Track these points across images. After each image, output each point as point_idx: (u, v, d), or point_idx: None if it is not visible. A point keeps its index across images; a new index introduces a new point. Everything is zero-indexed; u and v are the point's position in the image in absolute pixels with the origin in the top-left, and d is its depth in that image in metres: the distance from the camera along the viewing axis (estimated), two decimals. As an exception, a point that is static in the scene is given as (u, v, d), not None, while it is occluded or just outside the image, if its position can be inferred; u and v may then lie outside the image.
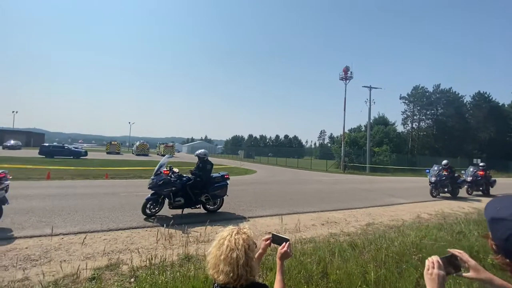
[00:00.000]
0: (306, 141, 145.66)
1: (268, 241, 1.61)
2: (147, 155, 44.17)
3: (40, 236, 4.80)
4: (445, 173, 11.88)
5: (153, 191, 6.34)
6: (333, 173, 25.89)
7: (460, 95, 52.41)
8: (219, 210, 7.21)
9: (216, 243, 1.36)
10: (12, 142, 41.93)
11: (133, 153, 46.57)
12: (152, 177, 6.42)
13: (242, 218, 6.72)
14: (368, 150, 31.32)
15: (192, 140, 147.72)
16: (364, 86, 32.55)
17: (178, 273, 3.38)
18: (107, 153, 43.39)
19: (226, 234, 1.37)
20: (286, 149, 61.84)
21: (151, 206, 6.30)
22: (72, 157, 28.53)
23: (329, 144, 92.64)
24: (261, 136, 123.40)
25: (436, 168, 12.25)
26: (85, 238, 4.37)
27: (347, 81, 32.27)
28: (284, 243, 1.53)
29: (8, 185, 5.27)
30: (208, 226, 5.22)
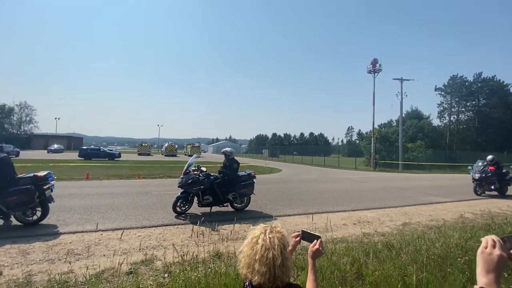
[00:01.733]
0: (333, 139, 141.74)
1: (298, 238, 1.55)
2: (175, 155, 45.94)
3: (82, 232, 5.16)
4: (491, 169, 10.80)
5: (182, 190, 6.53)
6: (362, 171, 24.84)
7: (505, 83, 47.40)
8: (246, 209, 7.23)
9: (248, 242, 1.31)
10: (55, 146, 46.02)
11: (162, 154, 48.67)
12: (181, 176, 6.62)
13: (269, 217, 6.66)
14: (400, 146, 29.61)
15: (217, 140, 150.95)
16: (395, 79, 30.87)
17: (209, 270, 3.42)
18: (139, 154, 45.89)
19: (259, 232, 1.31)
20: (312, 147, 60.49)
21: (181, 204, 6.50)
22: (107, 158, 30.56)
23: (357, 141, 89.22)
24: (285, 135, 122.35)
25: (480, 163, 11.19)
26: (122, 234, 4.60)
27: (376, 74, 30.80)
28: (315, 240, 1.46)
29: (53, 185, 5.74)
30: (236, 224, 5.22)
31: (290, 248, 1.53)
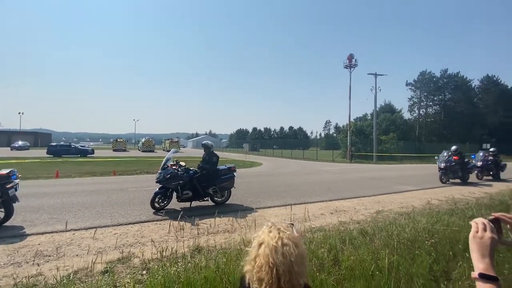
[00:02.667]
0: (311, 132, 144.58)
1: None
2: (153, 151, 44.61)
3: (52, 232, 4.87)
4: (455, 158, 11.66)
5: (161, 185, 6.37)
6: (339, 163, 25.72)
7: (468, 79, 51.24)
8: (227, 202, 7.22)
9: (255, 245, 1.16)
10: (20, 143, 42.67)
11: (139, 150, 47.11)
12: (159, 171, 6.45)
13: (250, 209, 6.72)
14: (375, 139, 30.98)
15: (197, 135, 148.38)
16: (370, 74, 32.00)
17: (189, 264, 3.39)
18: (114, 150, 43.96)
19: (265, 234, 1.17)
20: (291, 141, 61.50)
21: (160, 200, 6.34)
22: (79, 155, 28.94)
23: (334, 134, 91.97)
24: (266, 129, 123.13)
25: (445, 154, 12.03)
26: (95, 232, 4.41)
27: (352, 69, 31.70)
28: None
29: (17, 184, 5.33)
30: (216, 218, 5.20)
31: None
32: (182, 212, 5.31)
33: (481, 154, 13.38)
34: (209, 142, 7.24)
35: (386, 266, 3.33)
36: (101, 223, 5.44)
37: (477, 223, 0.93)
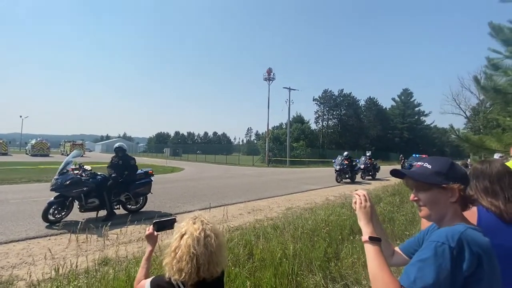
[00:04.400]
0: (235, 138, 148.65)
1: (151, 232, 1.42)
2: (47, 155, 36.06)
3: None
4: (346, 162, 14.33)
5: (57, 193, 5.39)
6: (258, 167, 27.39)
7: (357, 98, 63.80)
8: (142, 210, 6.72)
9: (177, 237, 1.20)
10: None
11: (27, 154, 37.35)
12: (55, 177, 5.44)
13: (168, 215, 6.46)
14: (288, 145, 34.45)
15: (108, 137, 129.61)
16: (284, 87, 35.56)
17: (93, 279, 3.05)
18: (-12, 154, 33.46)
19: (189, 225, 1.22)
20: (215, 146, 61.52)
21: (56, 211, 5.35)
22: None
23: (255, 141, 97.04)
24: (189, 133, 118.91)
25: (339, 158, 14.63)
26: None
27: (270, 82, 34.49)
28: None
29: None
30: (129, 226, 4.81)
31: (149, 248, 1.43)
32: (85, 223, 4.66)
33: (363, 158, 16.86)
34: (124, 145, 6.61)
35: (291, 253, 3.89)
36: (-37, 245, 4.20)
37: (359, 195, 1.08)
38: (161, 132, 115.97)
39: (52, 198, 5.38)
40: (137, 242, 4.63)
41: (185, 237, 1.17)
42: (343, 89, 62.89)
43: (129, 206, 6.45)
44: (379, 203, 7.51)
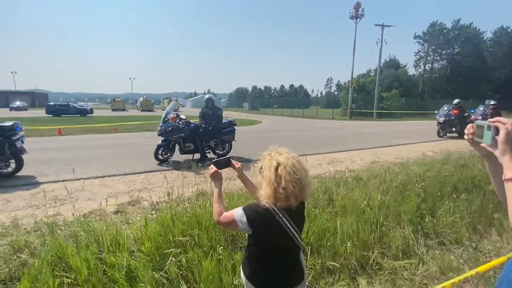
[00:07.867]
0: (312, 90, 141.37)
1: (215, 169, 1.50)
2: (152, 110, 44.15)
3: (63, 180, 5.14)
4: (455, 112, 11.65)
5: (163, 138, 6.51)
6: (339, 120, 25.77)
7: (481, 31, 48.00)
8: (228, 155, 7.45)
9: (272, 170, 1.24)
10: (18, 103, 41.94)
11: (137, 109, 46.59)
12: (160, 124, 6.53)
13: (249, 161, 6.96)
14: (376, 96, 30.47)
15: (195, 94, 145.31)
16: (376, 25, 30.08)
17: (195, 205, 3.66)
18: (112, 110, 43.57)
19: (277, 157, 1.28)
20: (292, 99, 60.46)
21: (163, 152, 6.55)
22: (78, 115, 28.84)
23: (336, 92, 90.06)
24: (266, 87, 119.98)
25: (446, 107, 12.00)
26: (104, 180, 4.66)
27: (358, 19, 29.59)
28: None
29: (23, 136, 5.45)
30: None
31: (218, 185, 1.50)
32: (185, 163, 5.52)
33: (481, 108, 13.31)
34: (213, 97, 7.23)
35: (377, 204, 3.61)
36: (108, 172, 5.71)
37: (504, 122, 0.80)
38: (240, 87, 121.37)
39: (160, 142, 6.55)
40: (224, 181, 5.23)
41: (281, 167, 1.24)
42: (459, 20, 48.15)
43: (218, 151, 7.24)
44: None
